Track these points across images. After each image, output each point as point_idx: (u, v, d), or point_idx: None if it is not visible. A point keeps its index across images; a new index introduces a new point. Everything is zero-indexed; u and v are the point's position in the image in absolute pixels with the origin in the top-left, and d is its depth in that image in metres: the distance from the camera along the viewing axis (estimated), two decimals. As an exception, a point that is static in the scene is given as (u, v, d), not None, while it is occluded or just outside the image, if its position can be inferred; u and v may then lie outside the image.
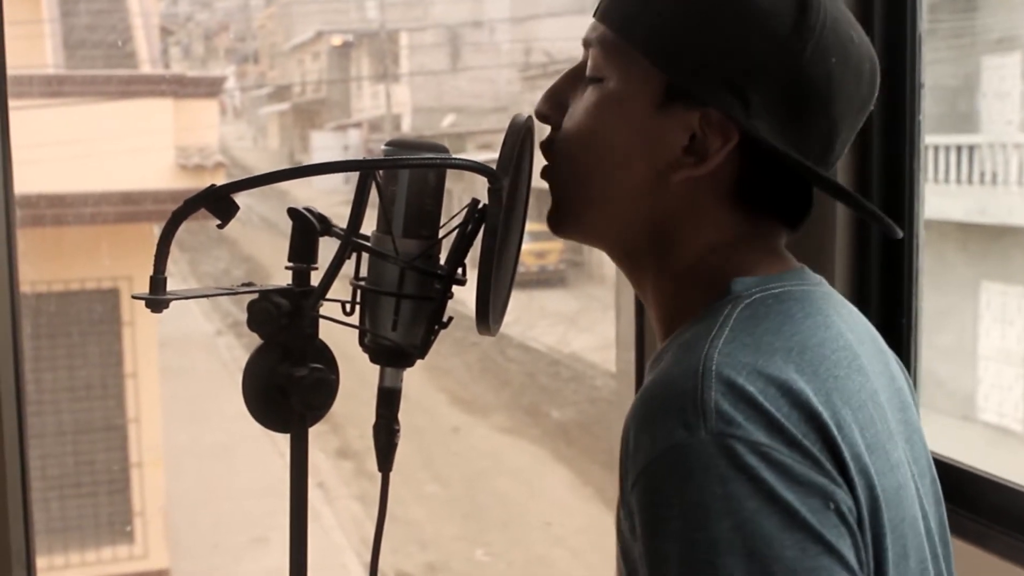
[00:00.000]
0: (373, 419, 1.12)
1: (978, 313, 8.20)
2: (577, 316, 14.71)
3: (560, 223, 1.12)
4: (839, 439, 0.93)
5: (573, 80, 1.10)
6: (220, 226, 1.00)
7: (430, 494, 9.94)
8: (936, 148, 8.28)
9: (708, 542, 0.87)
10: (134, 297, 0.98)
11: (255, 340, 1.08)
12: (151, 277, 0.98)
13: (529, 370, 13.14)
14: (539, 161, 1.14)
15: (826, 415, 0.93)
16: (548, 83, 1.12)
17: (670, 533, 0.88)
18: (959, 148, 8.32)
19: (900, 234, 1.09)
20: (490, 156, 1.07)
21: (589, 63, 1.08)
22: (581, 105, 1.08)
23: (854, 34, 1.04)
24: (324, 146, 21.62)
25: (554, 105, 1.11)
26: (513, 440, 11.30)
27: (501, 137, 1.05)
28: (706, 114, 1.02)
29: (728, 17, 1.01)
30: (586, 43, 1.09)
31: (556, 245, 15.64)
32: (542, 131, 1.12)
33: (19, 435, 1.71)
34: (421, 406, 11.08)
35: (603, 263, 14.59)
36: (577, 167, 1.08)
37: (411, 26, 20.58)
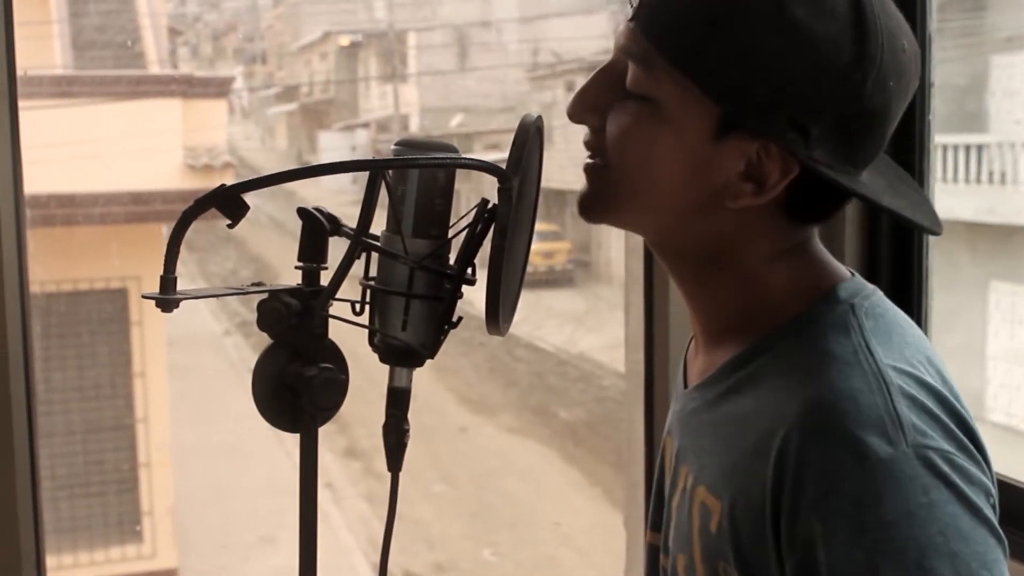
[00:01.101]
0: (381, 419, 1.12)
1: (987, 313, 8.18)
2: (585, 316, 14.70)
3: (602, 212, 1.11)
4: (979, 437, 1.00)
5: (608, 84, 1.07)
6: (230, 226, 1.00)
7: (438, 494, 9.93)
8: (945, 147, 8.26)
9: (918, 548, 0.92)
10: (144, 297, 0.98)
11: (263, 340, 1.08)
12: (161, 276, 0.98)
13: (537, 370, 13.13)
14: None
15: (967, 416, 1.00)
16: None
17: (879, 543, 0.92)
18: (968, 148, 8.30)
19: (940, 231, 1.10)
20: (498, 156, 1.06)
21: (632, 77, 1.05)
22: (629, 120, 1.05)
23: (905, 42, 1.03)
24: (332, 146, 21.61)
25: (589, 108, 1.08)
26: (521, 440, 11.29)
27: (509, 137, 1.04)
28: (764, 145, 1.01)
29: (787, 50, 0.98)
30: (626, 53, 1.05)
31: (564, 245, 15.63)
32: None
33: (29, 435, 1.71)
34: (429, 406, 11.08)
35: (611, 263, 14.59)
36: (633, 176, 1.07)
37: (419, 26, 20.58)
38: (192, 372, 10.80)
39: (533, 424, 11.75)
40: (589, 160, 1.09)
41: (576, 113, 1.09)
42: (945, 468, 0.94)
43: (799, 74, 0.98)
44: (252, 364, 1.07)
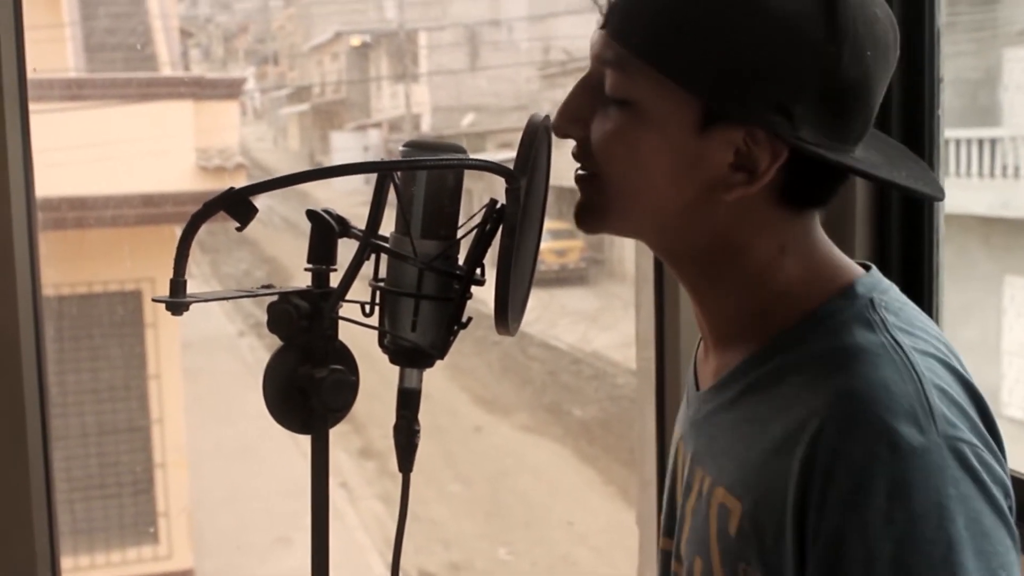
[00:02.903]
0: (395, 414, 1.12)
1: (1001, 308, 8.16)
2: (598, 314, 14.69)
3: (598, 221, 1.10)
4: (999, 434, 1.00)
5: (589, 94, 1.07)
6: (239, 229, 1.00)
7: (453, 493, 9.94)
8: (958, 142, 8.24)
9: (946, 541, 0.91)
10: (154, 300, 0.99)
11: (277, 341, 1.08)
12: (171, 280, 0.98)
13: (551, 368, 13.12)
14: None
15: (991, 411, 1.00)
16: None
17: (908, 534, 0.91)
18: (981, 141, 8.28)
19: (942, 197, 1.11)
20: (510, 155, 1.06)
21: (610, 82, 1.04)
22: (612, 127, 1.04)
23: (878, 10, 1.02)
24: (344, 147, 21.63)
25: (572, 120, 1.08)
26: (535, 439, 11.29)
27: (520, 136, 1.04)
28: (750, 132, 1.00)
29: (758, 32, 0.97)
30: (601, 61, 1.05)
31: (577, 243, 15.62)
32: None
33: (43, 437, 1.72)
34: (443, 405, 11.08)
35: (624, 260, 14.57)
36: (623, 184, 1.06)
37: (430, 25, 20.60)
38: (207, 374, 10.82)
39: (547, 423, 11.75)
40: (580, 171, 1.09)
41: (560, 127, 1.08)
42: (974, 462, 0.94)
43: (774, 55, 0.98)
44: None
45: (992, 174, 8.33)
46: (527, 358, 13.23)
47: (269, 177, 1.00)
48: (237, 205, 0.99)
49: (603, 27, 1.04)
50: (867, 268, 1.10)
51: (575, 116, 1.07)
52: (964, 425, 0.96)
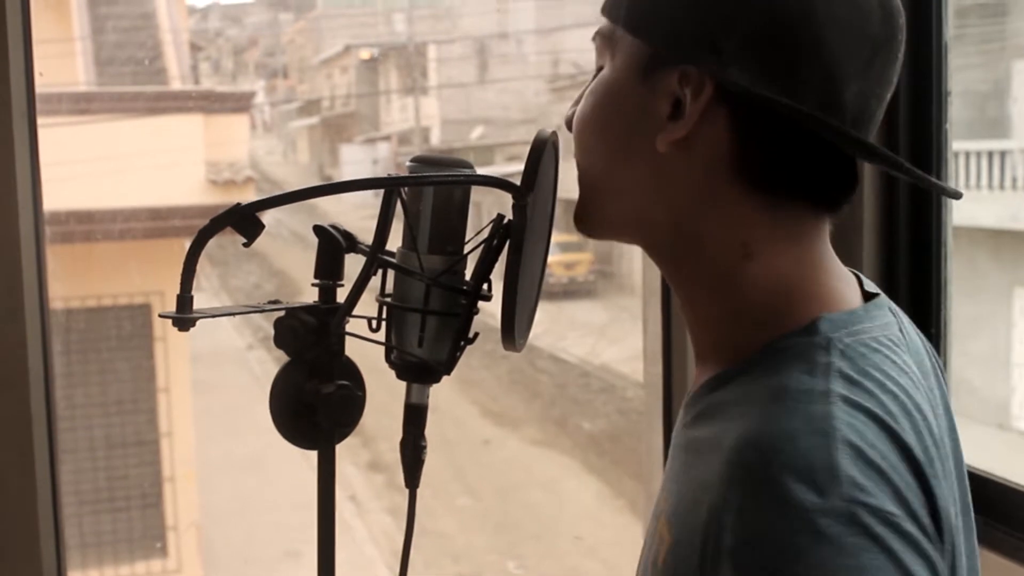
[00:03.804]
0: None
1: (1012, 320, 8.13)
2: (607, 327, 14.68)
3: (580, 220, 1.09)
4: (940, 508, 0.90)
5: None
6: (246, 245, 1.00)
7: (462, 506, 9.93)
8: (967, 154, 8.22)
9: None
10: (161, 316, 0.99)
11: (285, 355, 1.09)
12: (178, 296, 0.98)
13: (559, 381, 13.12)
14: (571, 170, 1.14)
15: (933, 484, 0.89)
16: (575, 93, 1.12)
17: None
18: (990, 154, 8.26)
19: (959, 195, 1.04)
20: (519, 168, 1.06)
21: (597, 56, 1.07)
22: (587, 97, 1.06)
23: None
24: (353, 159, 21.67)
25: (574, 104, 1.10)
26: (544, 452, 11.29)
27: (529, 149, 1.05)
28: (684, 72, 0.97)
29: None
30: (594, 39, 1.08)
31: (586, 256, 15.63)
32: (570, 140, 1.12)
33: (49, 451, 1.72)
34: (452, 418, 11.09)
35: (633, 272, 14.57)
36: (583, 156, 1.07)
37: (439, 38, 20.64)
38: (216, 387, 10.83)
39: (556, 436, 11.75)
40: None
41: (568, 120, 1.10)
42: (880, 529, 0.83)
43: None
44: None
45: (1002, 186, 8.31)
46: (536, 371, 13.23)
47: (276, 193, 1.00)
48: (244, 221, 0.99)
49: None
50: (874, 296, 1.04)
51: (576, 102, 1.09)
52: (880, 490, 0.85)
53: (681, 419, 1.06)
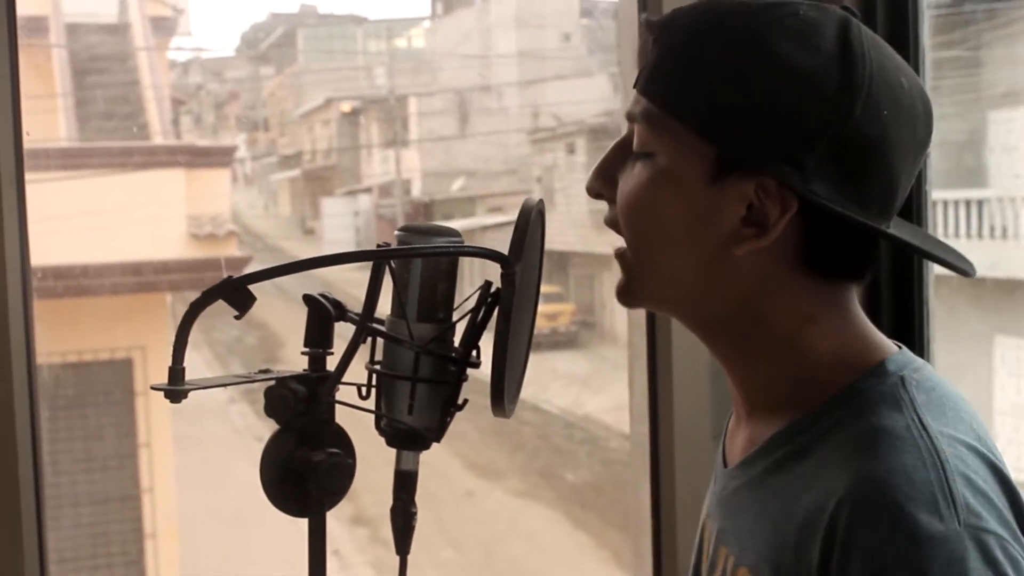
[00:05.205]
0: (388, 486, 1.13)
1: (992, 368, 8.15)
2: (590, 377, 14.66)
3: (626, 295, 1.11)
4: None
5: (620, 154, 1.09)
6: (237, 317, 1.01)
7: (446, 560, 9.87)
8: (946, 203, 8.28)
9: None
10: (154, 388, 0.99)
11: (276, 423, 1.09)
12: (170, 368, 0.99)
13: (542, 432, 13.07)
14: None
15: (1022, 499, 0.96)
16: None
17: None
18: (968, 203, 8.32)
19: (974, 272, 1.09)
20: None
21: (636, 138, 1.07)
22: (633, 182, 1.07)
23: (903, 79, 1.02)
24: (334, 212, 21.66)
25: (604, 181, 1.10)
26: (528, 504, 11.23)
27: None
28: (762, 183, 1.00)
29: (773, 83, 0.99)
30: (630, 117, 1.08)
31: (567, 307, 15.61)
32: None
33: (37, 514, 1.71)
34: (435, 471, 11.02)
35: (615, 323, 14.57)
36: (639, 243, 1.08)
37: (419, 91, 20.72)
38: (198, 441, 10.77)
39: (540, 487, 11.69)
40: (617, 248, 1.11)
41: (592, 187, 1.11)
42: (998, 554, 0.90)
43: (785, 105, 0.99)
44: (257, 432, 1.09)
45: (980, 235, 8.36)
46: (518, 422, 13.17)
47: (268, 266, 1.01)
48: (235, 293, 1.00)
49: (635, 85, 1.07)
50: (900, 347, 1.09)
51: (603, 172, 1.10)
52: (990, 515, 0.92)
53: (741, 477, 1.09)
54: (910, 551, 0.89)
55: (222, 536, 9.64)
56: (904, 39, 1.78)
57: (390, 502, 1.13)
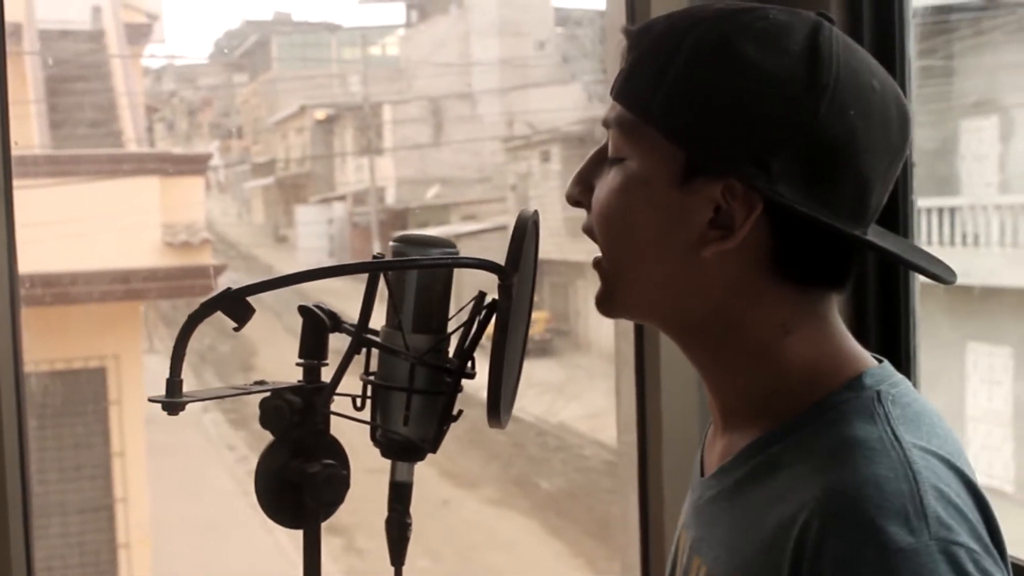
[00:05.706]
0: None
1: (965, 374, 8.21)
2: (564, 385, 14.66)
3: (608, 306, 1.11)
4: (1002, 539, 0.96)
5: (598, 162, 1.10)
6: (236, 329, 1.01)
7: (422, 569, 9.83)
8: (918, 211, 8.33)
9: None
10: (151, 400, 0.99)
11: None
12: (167, 380, 0.99)
13: (517, 441, 13.06)
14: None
15: (994, 515, 0.96)
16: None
17: None
18: (940, 210, 8.37)
19: (954, 279, 1.08)
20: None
21: (610, 144, 1.08)
22: (606, 187, 1.07)
23: (875, 82, 1.02)
24: (309, 220, 21.61)
25: (582, 189, 1.10)
26: (503, 512, 11.22)
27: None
28: (728, 185, 1.00)
29: (738, 85, 0.99)
30: (605, 123, 1.08)
31: (542, 315, 15.62)
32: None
33: (24, 526, 1.70)
34: (410, 479, 10.97)
35: (588, 331, 14.58)
36: (613, 250, 1.08)
37: (394, 99, 20.70)
38: (171, 450, 10.71)
39: (515, 496, 11.69)
40: (595, 256, 1.11)
41: (571, 194, 1.11)
42: (969, 567, 0.89)
43: (751, 106, 0.99)
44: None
45: (952, 242, 8.42)
46: (493, 430, 13.16)
47: (262, 279, 1.01)
48: (234, 305, 1.00)
49: (611, 92, 1.08)
50: (880, 361, 1.08)
51: (581, 180, 1.10)
52: (961, 528, 0.91)
53: (716, 487, 1.09)
54: (880, 563, 0.88)
55: (196, 545, 9.59)
56: (890, 48, 1.78)
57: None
